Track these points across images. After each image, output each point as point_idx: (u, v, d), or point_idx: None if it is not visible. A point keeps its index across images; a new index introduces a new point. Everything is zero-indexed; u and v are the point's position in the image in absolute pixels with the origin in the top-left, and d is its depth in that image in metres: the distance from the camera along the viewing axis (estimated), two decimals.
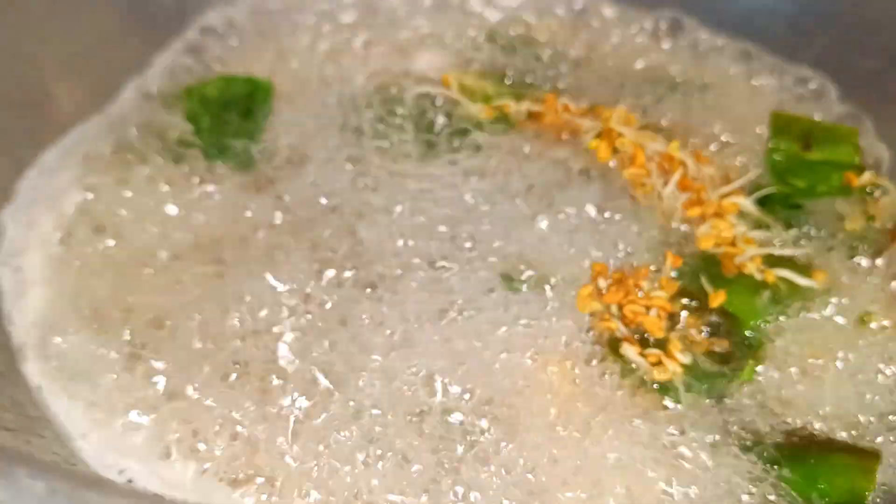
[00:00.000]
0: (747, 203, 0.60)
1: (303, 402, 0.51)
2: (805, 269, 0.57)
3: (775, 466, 0.50)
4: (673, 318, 0.55)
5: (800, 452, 0.51)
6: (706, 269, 0.57)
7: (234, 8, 0.73)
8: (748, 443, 0.51)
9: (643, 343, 0.54)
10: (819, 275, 0.57)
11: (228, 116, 0.65)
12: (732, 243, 0.58)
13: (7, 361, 0.51)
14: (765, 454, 0.51)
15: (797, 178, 0.64)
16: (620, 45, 0.75)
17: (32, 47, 0.62)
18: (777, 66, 0.73)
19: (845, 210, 0.62)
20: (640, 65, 0.73)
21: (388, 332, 0.54)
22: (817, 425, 0.52)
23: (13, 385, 0.50)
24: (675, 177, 0.61)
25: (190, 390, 0.51)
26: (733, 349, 0.54)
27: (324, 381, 0.52)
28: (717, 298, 0.55)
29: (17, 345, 0.52)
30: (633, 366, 0.53)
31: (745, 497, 0.49)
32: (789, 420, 0.52)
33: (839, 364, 0.55)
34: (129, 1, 0.70)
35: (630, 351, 0.53)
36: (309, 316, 0.54)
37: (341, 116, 0.66)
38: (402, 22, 0.74)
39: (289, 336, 0.53)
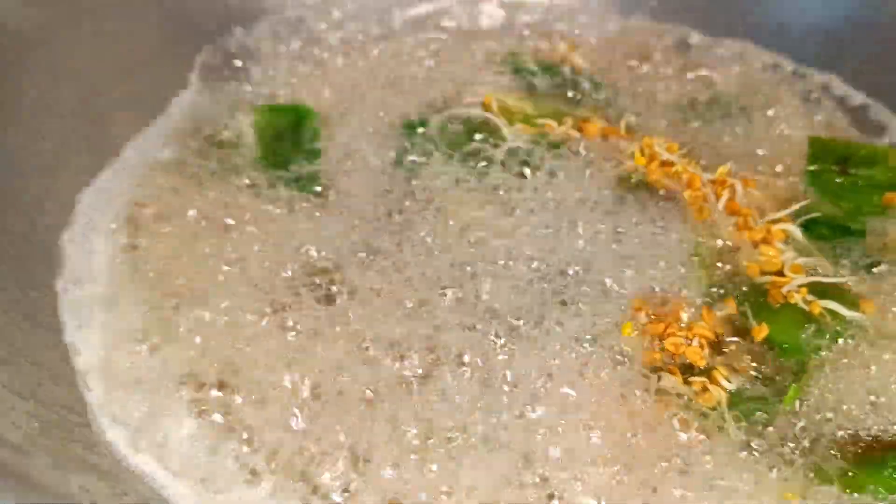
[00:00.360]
0: (794, 229, 0.61)
1: None
2: (852, 299, 0.57)
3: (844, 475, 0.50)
4: (716, 346, 0.55)
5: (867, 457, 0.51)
6: (751, 297, 0.57)
7: (278, 26, 0.75)
8: (806, 458, 0.50)
9: (688, 370, 0.54)
10: (867, 306, 0.57)
11: (279, 146, 0.66)
12: (780, 271, 0.58)
13: (71, 390, 0.51)
14: (824, 467, 0.50)
15: (839, 200, 0.64)
16: (659, 65, 0.75)
17: (87, 67, 0.63)
18: (814, 83, 0.74)
19: (888, 231, 0.62)
20: (679, 86, 0.73)
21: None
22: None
23: (77, 414, 0.51)
24: (723, 200, 0.61)
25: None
26: (777, 374, 0.54)
27: None
28: (761, 332, 0.55)
29: (82, 371, 0.53)
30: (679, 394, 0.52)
31: None
32: (842, 433, 0.52)
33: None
34: (175, 18, 0.71)
35: (671, 381, 0.53)
36: None
37: (386, 140, 0.66)
38: (446, 46, 0.75)
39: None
